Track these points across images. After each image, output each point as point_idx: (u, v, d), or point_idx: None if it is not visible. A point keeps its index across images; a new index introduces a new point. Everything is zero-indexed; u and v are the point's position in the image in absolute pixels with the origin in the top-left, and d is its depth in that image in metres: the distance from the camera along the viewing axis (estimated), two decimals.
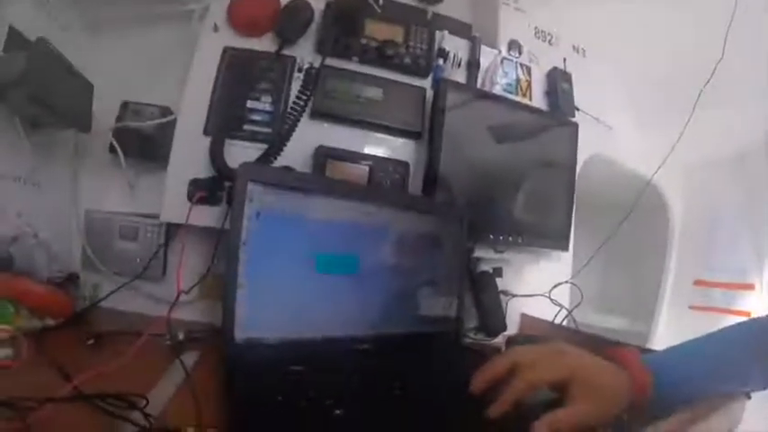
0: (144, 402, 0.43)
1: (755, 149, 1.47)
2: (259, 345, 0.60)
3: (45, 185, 0.80)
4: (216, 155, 0.76)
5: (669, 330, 1.53)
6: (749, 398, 0.58)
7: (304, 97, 0.78)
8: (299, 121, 0.78)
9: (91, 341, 0.63)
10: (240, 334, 0.58)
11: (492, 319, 0.93)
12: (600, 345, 0.82)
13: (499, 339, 0.94)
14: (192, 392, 0.50)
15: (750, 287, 1.46)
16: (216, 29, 0.85)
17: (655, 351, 0.65)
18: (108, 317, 0.78)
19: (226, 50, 0.83)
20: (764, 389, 0.55)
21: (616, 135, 1.26)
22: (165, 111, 0.86)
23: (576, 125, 1.07)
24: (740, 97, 1.27)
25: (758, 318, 0.58)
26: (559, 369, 0.48)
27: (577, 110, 1.11)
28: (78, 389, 0.44)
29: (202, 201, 0.76)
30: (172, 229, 0.85)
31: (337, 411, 0.45)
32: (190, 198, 0.77)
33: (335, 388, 0.50)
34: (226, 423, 0.43)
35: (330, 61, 0.84)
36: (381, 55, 0.87)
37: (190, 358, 0.61)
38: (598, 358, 0.51)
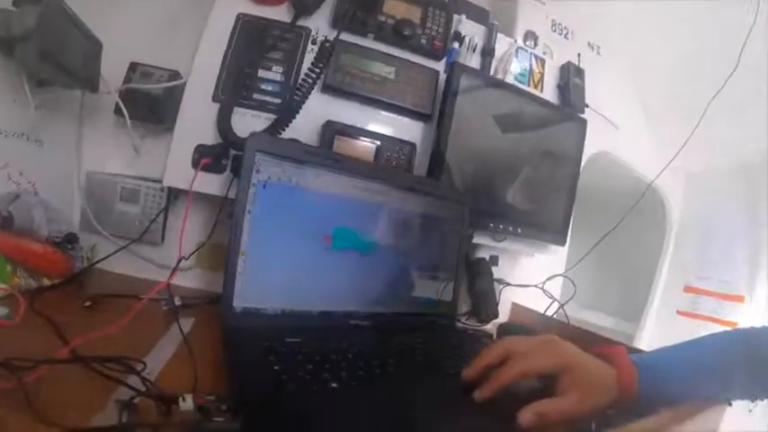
0: (142, 367, 0.43)
1: (759, 163, 1.48)
2: (257, 314, 0.60)
3: (48, 144, 0.79)
4: (224, 122, 0.75)
5: (655, 333, 1.56)
6: (730, 404, 0.59)
7: (317, 71, 0.77)
8: (309, 94, 0.77)
9: (88, 303, 0.63)
10: (239, 303, 0.59)
11: (485, 306, 0.94)
12: (589, 339, 0.84)
13: (489, 326, 0.96)
14: (190, 359, 0.49)
15: (739, 299, 1.48)
16: None
17: (642, 351, 0.66)
18: (104, 278, 0.78)
19: (240, 17, 0.82)
20: (744, 398, 0.56)
21: (623, 135, 1.26)
22: (174, 74, 0.84)
23: (584, 121, 1.07)
24: (749, 110, 1.27)
25: (744, 328, 0.59)
26: (550, 360, 0.48)
27: (587, 106, 1.11)
28: (76, 351, 0.43)
29: (207, 168, 0.76)
30: (172, 195, 0.84)
31: (333, 384, 0.46)
32: (194, 164, 0.76)
33: (331, 361, 0.51)
34: (223, 390, 0.43)
35: (345, 36, 0.83)
36: (397, 34, 0.86)
37: (185, 325, 0.60)
38: (587, 353, 0.51)
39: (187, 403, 0.37)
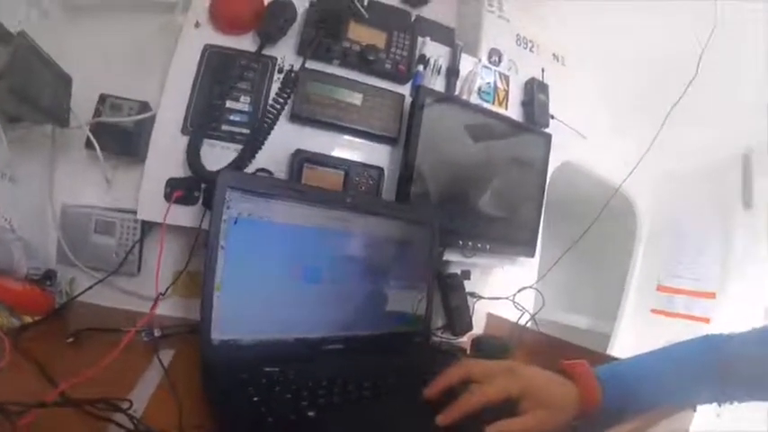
0: (128, 405, 0.45)
1: (725, 165, 1.54)
2: (235, 346, 0.61)
3: (21, 180, 0.79)
4: (193, 156, 0.76)
5: (631, 332, 1.60)
6: (695, 410, 0.62)
7: (281, 100, 0.78)
8: (275, 123, 0.78)
9: (70, 339, 0.63)
10: (217, 335, 0.60)
11: (459, 320, 0.97)
12: (560, 347, 0.87)
13: (464, 339, 0.98)
14: (173, 393, 0.51)
15: (710, 296, 1.53)
16: (197, 25, 0.84)
17: (610, 360, 0.69)
18: (84, 311, 0.78)
19: (206, 48, 0.83)
20: (711, 402, 0.59)
21: (589, 143, 1.29)
22: (144, 106, 0.84)
23: (549, 136, 1.09)
24: (711, 115, 1.31)
25: (709, 336, 0.61)
26: (511, 386, 0.51)
27: (552, 118, 1.13)
28: (65, 393, 0.45)
29: (179, 200, 0.77)
30: (147, 225, 0.85)
31: (310, 413, 0.48)
32: (167, 197, 0.77)
33: (309, 389, 0.53)
34: (207, 424, 0.45)
35: (311, 64, 0.85)
36: (363, 60, 0.87)
37: (166, 356, 0.63)
38: (548, 373, 0.55)
39: None
